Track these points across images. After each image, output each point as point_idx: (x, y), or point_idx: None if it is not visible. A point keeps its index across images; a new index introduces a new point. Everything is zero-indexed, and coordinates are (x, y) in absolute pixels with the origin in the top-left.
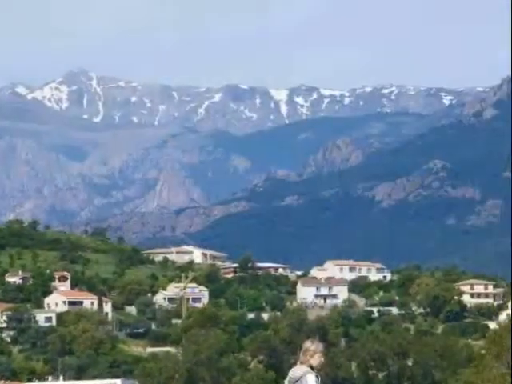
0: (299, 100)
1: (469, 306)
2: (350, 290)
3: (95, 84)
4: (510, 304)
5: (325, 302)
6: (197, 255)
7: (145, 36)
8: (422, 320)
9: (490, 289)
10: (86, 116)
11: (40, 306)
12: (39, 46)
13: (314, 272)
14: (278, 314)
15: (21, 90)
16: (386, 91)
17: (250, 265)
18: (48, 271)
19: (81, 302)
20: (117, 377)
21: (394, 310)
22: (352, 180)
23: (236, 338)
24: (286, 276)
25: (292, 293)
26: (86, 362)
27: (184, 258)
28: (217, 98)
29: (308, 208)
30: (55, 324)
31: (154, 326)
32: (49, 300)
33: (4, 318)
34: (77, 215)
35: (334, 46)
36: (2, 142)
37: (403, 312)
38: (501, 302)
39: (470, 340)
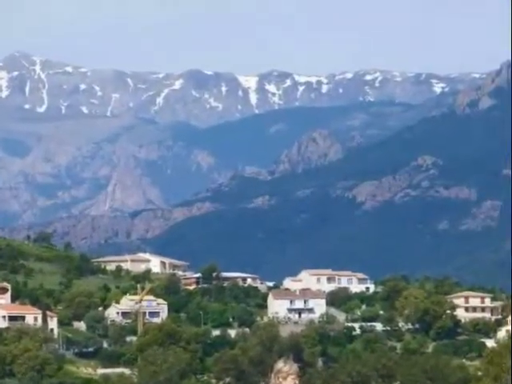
0: (271, 87)
1: (463, 321)
2: (329, 304)
3: (39, 69)
4: (509, 319)
5: (299, 316)
6: (154, 264)
7: (96, 16)
8: (410, 337)
9: (488, 302)
10: (28, 106)
11: None
12: None
13: (288, 283)
14: (247, 330)
15: None
16: (369, 78)
17: (214, 275)
18: None
19: (23, 317)
20: None
21: (379, 326)
22: (330, 178)
23: (199, 357)
24: (256, 287)
25: (262, 306)
26: None
27: (140, 267)
28: (177, 85)
29: (280, 210)
30: None
31: (105, 345)
32: None
33: None
34: (18, 218)
35: (311, 28)
36: None
37: (388, 328)
38: (499, 316)
39: (464, 360)
